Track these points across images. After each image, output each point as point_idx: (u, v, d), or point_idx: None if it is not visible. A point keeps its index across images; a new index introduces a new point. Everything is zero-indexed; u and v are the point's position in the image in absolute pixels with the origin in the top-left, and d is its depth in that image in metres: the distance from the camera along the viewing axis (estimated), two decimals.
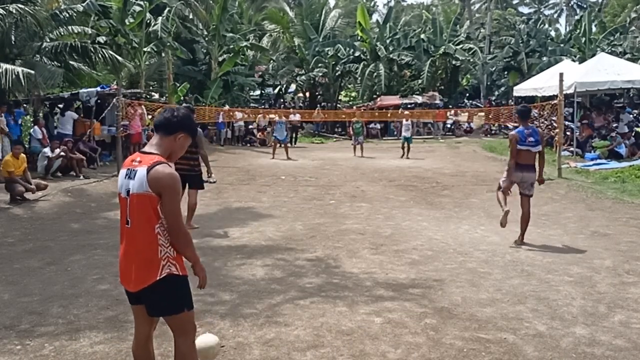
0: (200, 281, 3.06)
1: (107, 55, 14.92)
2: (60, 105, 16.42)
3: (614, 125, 17.71)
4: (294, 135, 23.29)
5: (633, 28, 34.20)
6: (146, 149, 2.99)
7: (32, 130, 13.90)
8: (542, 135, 7.00)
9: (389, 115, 27.46)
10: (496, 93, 38.55)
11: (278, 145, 18.33)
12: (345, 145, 21.95)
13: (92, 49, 14.54)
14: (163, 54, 23.87)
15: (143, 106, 17.00)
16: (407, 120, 19.15)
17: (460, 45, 30.62)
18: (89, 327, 4.35)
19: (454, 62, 31.13)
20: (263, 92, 38.93)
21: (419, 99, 29.05)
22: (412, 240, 7.11)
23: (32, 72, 11.60)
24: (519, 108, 7.26)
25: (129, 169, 2.93)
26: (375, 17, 43.11)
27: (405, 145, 18.20)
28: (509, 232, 7.14)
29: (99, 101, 15.24)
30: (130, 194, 2.88)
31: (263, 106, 32.98)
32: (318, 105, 31.14)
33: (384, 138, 26.66)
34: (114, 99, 14.25)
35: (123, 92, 15.25)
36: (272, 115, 23.98)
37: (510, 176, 6.85)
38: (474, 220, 8.41)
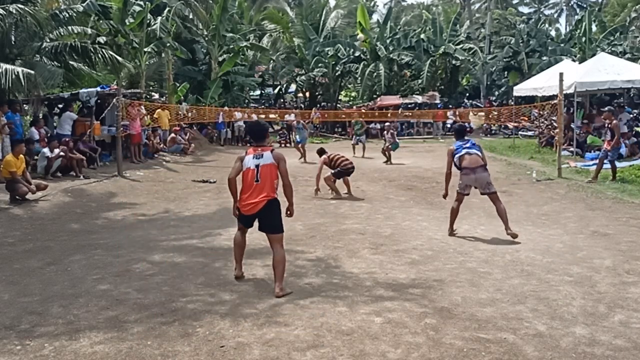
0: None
1: (107, 56, 14.90)
2: (60, 106, 16.42)
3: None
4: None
5: (633, 28, 34.25)
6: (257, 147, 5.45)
7: (28, 131, 13.86)
8: (481, 147, 7.55)
9: (389, 115, 27.47)
10: (496, 93, 38.57)
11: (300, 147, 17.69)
12: (345, 145, 21.89)
13: (92, 49, 14.52)
14: (163, 54, 23.87)
15: (142, 106, 17.00)
16: (387, 133, 16.80)
17: (460, 45, 30.66)
18: (89, 327, 4.35)
19: (454, 62, 31.16)
20: (263, 92, 38.98)
21: (419, 99, 29.07)
22: (412, 240, 7.11)
23: (32, 72, 11.56)
24: (455, 127, 8.10)
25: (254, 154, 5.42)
26: (375, 17, 43.10)
27: (389, 150, 16.42)
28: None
29: (99, 101, 15.22)
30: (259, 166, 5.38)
31: (263, 106, 32.99)
32: (317, 105, 31.14)
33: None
34: (114, 99, 14.25)
35: (123, 92, 15.25)
36: (289, 117, 24.22)
37: (459, 184, 7.29)
38: (474, 220, 8.41)
